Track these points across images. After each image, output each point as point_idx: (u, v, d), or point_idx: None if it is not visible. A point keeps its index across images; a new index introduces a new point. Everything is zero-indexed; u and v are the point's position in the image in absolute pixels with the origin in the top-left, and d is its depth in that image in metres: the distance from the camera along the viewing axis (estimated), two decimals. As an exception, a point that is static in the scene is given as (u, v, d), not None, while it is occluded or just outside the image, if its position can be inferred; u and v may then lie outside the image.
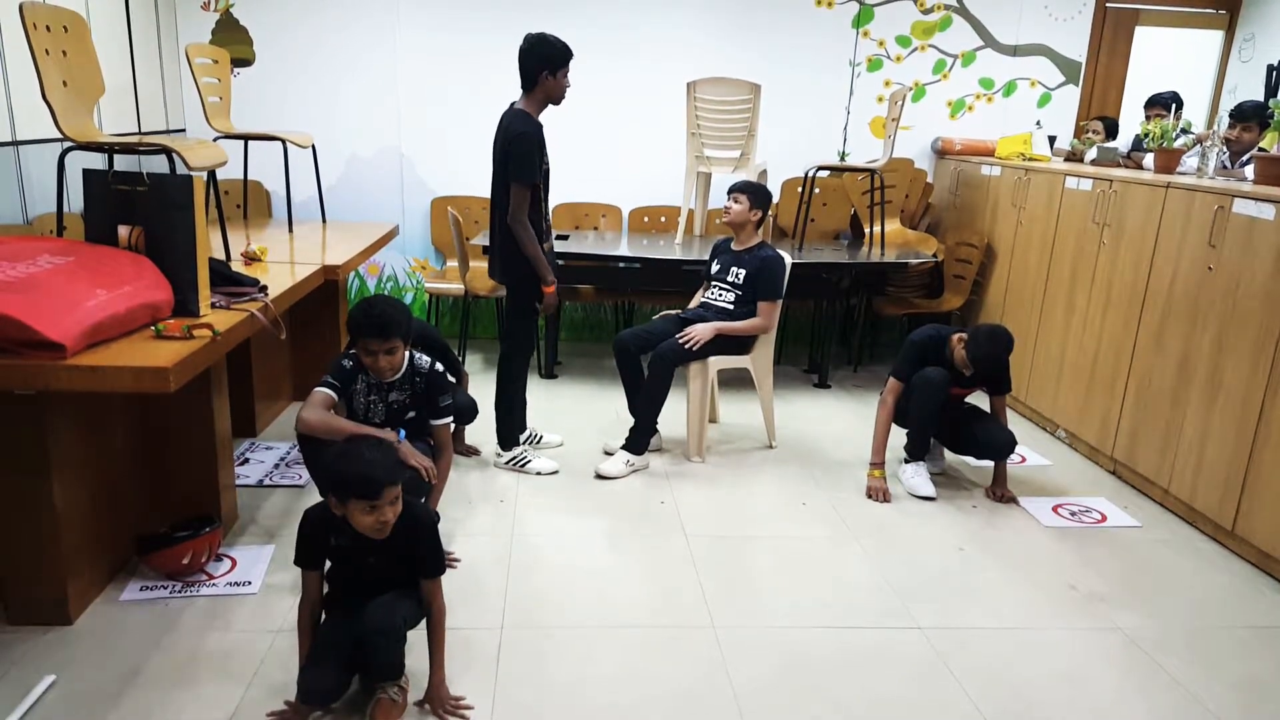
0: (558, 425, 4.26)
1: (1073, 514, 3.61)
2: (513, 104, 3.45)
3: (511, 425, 3.79)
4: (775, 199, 5.71)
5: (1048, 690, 2.47)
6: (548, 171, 3.47)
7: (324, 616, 2.27)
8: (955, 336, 3.60)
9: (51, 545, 2.44)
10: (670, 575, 3.00)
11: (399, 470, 2.19)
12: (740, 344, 3.99)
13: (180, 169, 2.83)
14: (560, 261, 4.90)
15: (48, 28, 2.80)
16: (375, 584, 2.23)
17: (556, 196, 5.62)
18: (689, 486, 3.70)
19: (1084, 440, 4.23)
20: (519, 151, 3.29)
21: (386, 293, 5.73)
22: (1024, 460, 4.14)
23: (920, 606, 2.86)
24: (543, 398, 4.75)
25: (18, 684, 2.26)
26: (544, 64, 3.31)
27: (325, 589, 2.28)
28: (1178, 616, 2.89)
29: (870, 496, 3.65)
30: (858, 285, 5.56)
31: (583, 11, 5.45)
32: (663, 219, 5.79)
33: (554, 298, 3.55)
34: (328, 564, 2.27)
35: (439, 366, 2.91)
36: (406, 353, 2.83)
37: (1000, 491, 3.71)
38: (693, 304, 4.21)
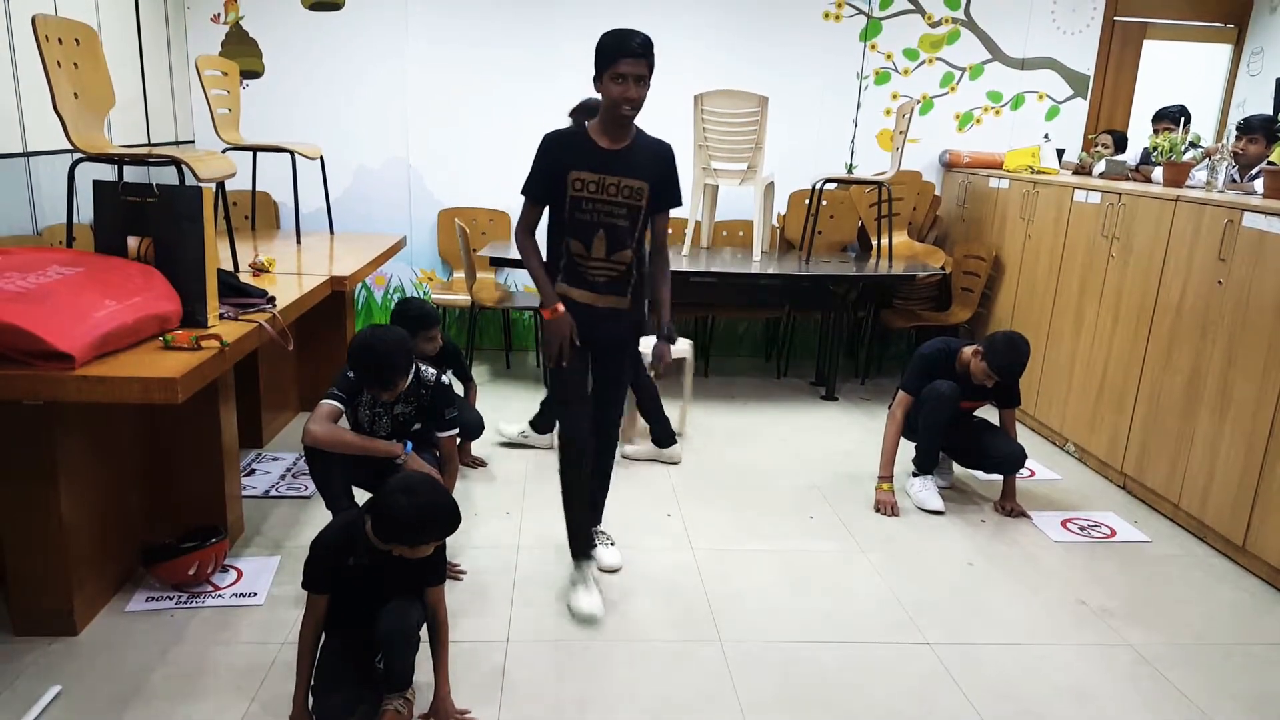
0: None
1: (1082, 529, 3.59)
2: None
3: (575, 529, 2.92)
4: (782, 211, 5.72)
5: (1056, 706, 2.45)
6: (578, 200, 2.65)
7: (325, 636, 2.26)
8: (969, 349, 3.59)
9: (58, 555, 2.44)
10: (677, 588, 2.99)
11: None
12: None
13: (190, 180, 2.84)
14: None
15: (59, 40, 2.82)
16: (382, 597, 2.22)
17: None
18: (695, 499, 3.69)
19: (1093, 454, 4.21)
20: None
21: (394, 304, 5.74)
22: (1033, 474, 4.11)
23: (929, 621, 2.85)
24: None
25: (24, 694, 2.25)
26: (595, 67, 2.61)
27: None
28: (1187, 632, 2.86)
29: (878, 510, 3.64)
30: (865, 298, 5.55)
31: (589, 24, 5.44)
32: (669, 231, 5.78)
33: (556, 327, 2.69)
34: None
35: (444, 379, 2.91)
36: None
37: (1009, 506, 3.69)
38: None
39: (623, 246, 2.72)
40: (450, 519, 2.14)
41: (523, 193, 2.73)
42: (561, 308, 2.69)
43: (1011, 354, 3.45)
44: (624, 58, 2.51)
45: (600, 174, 2.64)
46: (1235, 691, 2.56)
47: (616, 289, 2.77)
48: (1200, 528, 3.52)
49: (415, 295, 3.68)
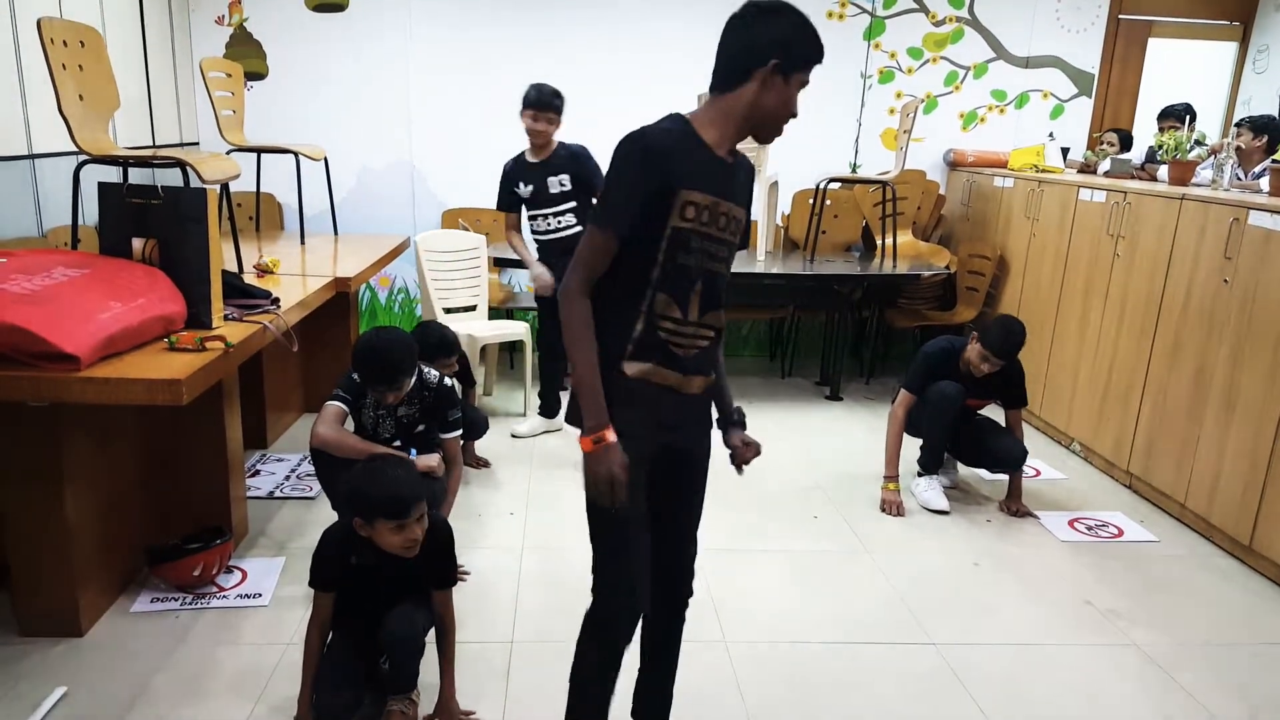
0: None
1: (1089, 528, 3.58)
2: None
3: None
4: (786, 210, 5.71)
5: (1063, 707, 2.44)
6: (683, 236, 1.73)
7: (331, 636, 2.26)
8: (969, 343, 3.58)
9: (62, 556, 2.45)
10: (681, 589, 2.98)
11: (423, 486, 2.19)
12: None
13: (194, 182, 2.84)
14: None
15: (64, 42, 2.82)
16: (388, 599, 2.23)
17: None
18: (700, 499, 3.68)
19: (1099, 454, 4.20)
20: (606, 174, 1.78)
21: (397, 305, 5.75)
22: (1038, 474, 4.10)
23: (934, 621, 2.84)
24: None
25: (29, 696, 2.26)
26: (771, 49, 1.75)
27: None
28: (1195, 632, 2.85)
29: (884, 510, 3.63)
30: (869, 297, 5.54)
31: (591, 23, 5.46)
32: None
33: (605, 461, 1.71)
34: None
35: (447, 381, 2.91)
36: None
37: (1015, 505, 3.68)
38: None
39: (718, 304, 1.85)
40: (386, 501, 2.06)
41: (598, 222, 1.74)
42: (612, 435, 1.72)
43: (1006, 334, 3.45)
44: (816, 64, 1.82)
45: (715, 197, 1.77)
46: (1242, 692, 2.55)
47: (706, 365, 1.89)
48: (1207, 527, 3.51)
49: (435, 321, 3.80)
